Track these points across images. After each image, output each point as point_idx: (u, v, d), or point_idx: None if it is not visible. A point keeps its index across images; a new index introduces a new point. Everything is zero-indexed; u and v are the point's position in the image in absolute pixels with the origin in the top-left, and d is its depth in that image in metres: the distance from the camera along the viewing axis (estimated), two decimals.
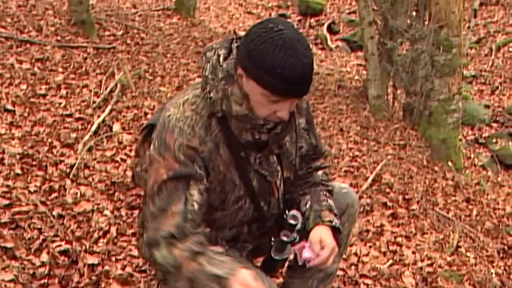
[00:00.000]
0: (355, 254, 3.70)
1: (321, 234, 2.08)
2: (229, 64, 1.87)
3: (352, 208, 2.38)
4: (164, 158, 1.88)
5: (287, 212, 2.18)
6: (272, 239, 2.15)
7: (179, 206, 1.87)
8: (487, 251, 4.57)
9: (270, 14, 14.13)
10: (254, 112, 1.88)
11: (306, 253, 2.05)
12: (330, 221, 2.13)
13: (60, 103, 4.51)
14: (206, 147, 1.90)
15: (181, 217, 1.87)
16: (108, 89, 4.98)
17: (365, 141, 5.97)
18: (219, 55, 1.90)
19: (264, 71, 1.75)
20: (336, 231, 2.14)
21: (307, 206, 2.20)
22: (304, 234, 2.17)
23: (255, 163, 2.03)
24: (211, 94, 1.89)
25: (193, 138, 1.88)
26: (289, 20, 13.99)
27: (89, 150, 3.97)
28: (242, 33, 1.92)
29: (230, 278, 1.76)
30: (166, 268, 1.89)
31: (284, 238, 2.09)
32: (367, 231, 4.04)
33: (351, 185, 4.67)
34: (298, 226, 2.15)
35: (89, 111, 4.52)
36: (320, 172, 2.31)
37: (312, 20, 14.28)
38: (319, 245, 2.05)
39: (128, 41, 7.02)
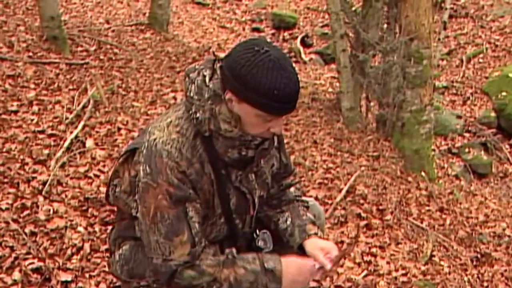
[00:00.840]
0: None
1: (316, 244, 2.16)
2: (215, 84, 1.91)
3: (319, 219, 2.44)
4: (158, 183, 1.89)
5: (257, 232, 2.25)
6: None
7: (186, 234, 1.94)
8: (460, 259, 4.63)
9: (243, 28, 14.18)
10: (247, 132, 1.93)
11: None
12: (316, 234, 2.22)
13: (32, 120, 4.48)
14: (193, 169, 1.93)
15: (190, 244, 1.95)
16: (81, 105, 4.94)
17: (339, 153, 6.01)
18: (204, 76, 1.94)
19: (260, 95, 1.81)
20: None
21: (288, 222, 2.26)
22: (287, 249, 2.22)
23: (236, 180, 2.07)
24: (198, 115, 1.92)
25: (181, 161, 1.90)
26: (262, 34, 14.09)
27: (62, 166, 3.94)
28: (220, 54, 1.95)
29: (283, 265, 2.00)
30: (199, 285, 1.98)
31: None
32: (342, 242, 4.07)
33: (325, 197, 4.71)
34: (267, 250, 2.21)
35: (62, 127, 4.49)
36: (292, 189, 2.38)
37: (285, 34, 14.36)
38: (321, 253, 2.12)
39: (101, 57, 6.99)
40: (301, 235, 2.21)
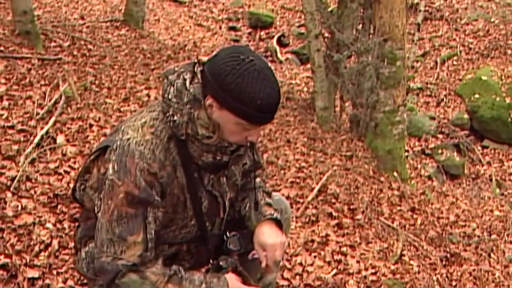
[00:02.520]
0: (300, 264, 3.73)
1: (262, 238, 2.14)
2: (196, 89, 1.89)
3: (285, 213, 2.46)
4: (124, 182, 1.87)
5: (227, 234, 2.23)
6: (211, 262, 2.19)
7: (141, 236, 1.91)
8: (430, 259, 4.65)
9: (220, 27, 14.16)
10: (225, 139, 1.92)
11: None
12: (271, 214, 2.21)
13: (1, 115, 4.42)
14: (165, 171, 1.92)
15: (143, 247, 1.91)
16: (53, 101, 4.89)
17: (312, 152, 6.02)
18: (184, 79, 1.91)
19: (243, 104, 1.80)
20: (278, 224, 2.21)
21: (247, 208, 2.26)
22: (248, 236, 2.22)
23: (208, 184, 2.07)
24: (175, 118, 1.90)
25: (153, 163, 1.89)
26: (239, 33, 14.09)
27: (32, 162, 3.89)
28: (203, 57, 1.95)
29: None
30: None
31: (222, 264, 2.14)
32: (312, 241, 4.08)
33: (297, 195, 4.72)
34: (238, 252, 2.20)
35: (32, 122, 4.45)
36: (258, 179, 2.37)
37: (262, 33, 14.38)
38: (261, 250, 2.13)
39: (75, 53, 6.93)
40: (257, 217, 2.21)
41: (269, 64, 1.89)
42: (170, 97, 1.91)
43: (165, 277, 1.93)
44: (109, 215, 1.90)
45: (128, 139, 1.90)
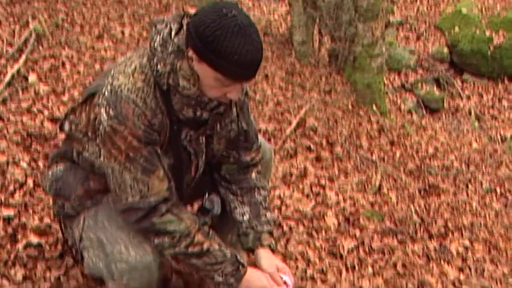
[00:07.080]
0: (279, 197, 3.74)
1: (272, 262, 2.23)
2: (180, 40, 1.90)
3: (265, 154, 2.50)
4: (126, 126, 1.88)
5: (206, 195, 2.31)
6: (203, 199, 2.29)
7: (162, 170, 1.96)
8: (408, 190, 4.70)
9: None
10: (204, 93, 1.93)
11: None
12: (269, 246, 2.29)
13: None
14: (156, 119, 1.93)
15: (168, 179, 1.98)
16: (23, 39, 4.76)
17: (290, 86, 5.97)
18: (171, 29, 1.91)
19: (220, 58, 1.80)
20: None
21: (245, 218, 2.31)
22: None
23: (185, 139, 2.07)
24: (158, 67, 1.91)
25: (146, 110, 1.90)
26: None
27: (3, 101, 3.82)
28: (192, 11, 1.92)
29: (248, 269, 2.10)
30: (173, 232, 1.97)
31: (207, 205, 2.28)
32: (291, 174, 4.08)
33: (275, 129, 4.70)
34: (214, 212, 2.27)
35: (2, 61, 4.34)
36: (253, 175, 2.38)
37: None
38: (278, 275, 2.21)
39: None
40: (255, 242, 2.27)
41: (253, 21, 1.86)
42: (155, 45, 1.91)
43: (196, 224, 2.02)
44: (125, 157, 1.91)
45: (120, 85, 1.90)
